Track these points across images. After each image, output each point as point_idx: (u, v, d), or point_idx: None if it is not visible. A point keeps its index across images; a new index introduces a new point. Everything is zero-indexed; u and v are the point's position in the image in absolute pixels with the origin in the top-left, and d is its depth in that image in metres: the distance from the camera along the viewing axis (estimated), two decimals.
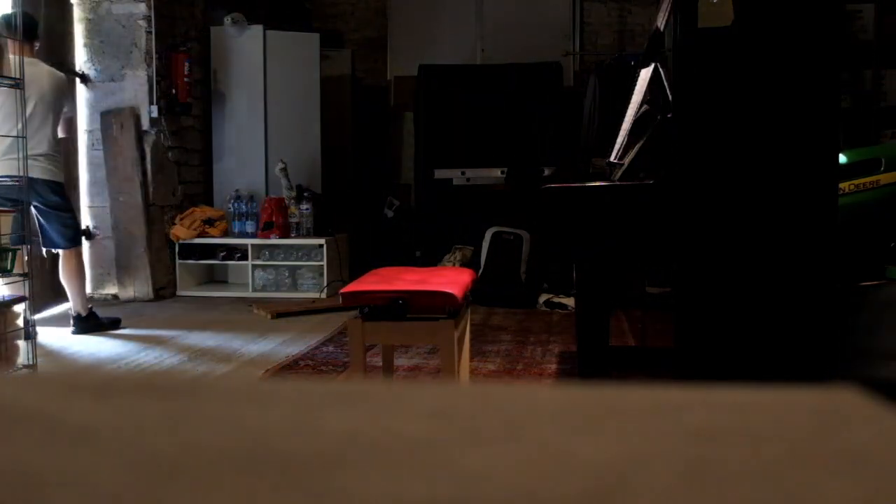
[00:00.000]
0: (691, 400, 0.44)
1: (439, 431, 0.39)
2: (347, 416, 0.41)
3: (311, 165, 6.75)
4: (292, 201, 6.26)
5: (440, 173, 6.62)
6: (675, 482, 0.33)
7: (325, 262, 6.14)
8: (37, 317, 4.33)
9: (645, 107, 2.90)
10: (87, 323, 4.81)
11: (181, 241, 6.19)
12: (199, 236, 6.22)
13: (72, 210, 4.78)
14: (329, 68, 7.01)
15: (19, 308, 3.58)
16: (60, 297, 5.61)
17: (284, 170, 6.26)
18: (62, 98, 4.63)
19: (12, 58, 3.85)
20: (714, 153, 2.34)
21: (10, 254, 3.64)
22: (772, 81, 2.30)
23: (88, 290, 5.87)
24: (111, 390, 0.46)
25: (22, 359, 3.57)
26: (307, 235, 6.25)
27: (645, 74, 2.97)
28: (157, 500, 0.31)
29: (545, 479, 0.34)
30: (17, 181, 3.75)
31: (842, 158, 2.87)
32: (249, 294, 6.15)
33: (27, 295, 3.61)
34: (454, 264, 6.00)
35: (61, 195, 4.59)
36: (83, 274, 4.83)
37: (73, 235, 4.69)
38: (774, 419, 0.41)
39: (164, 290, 6.04)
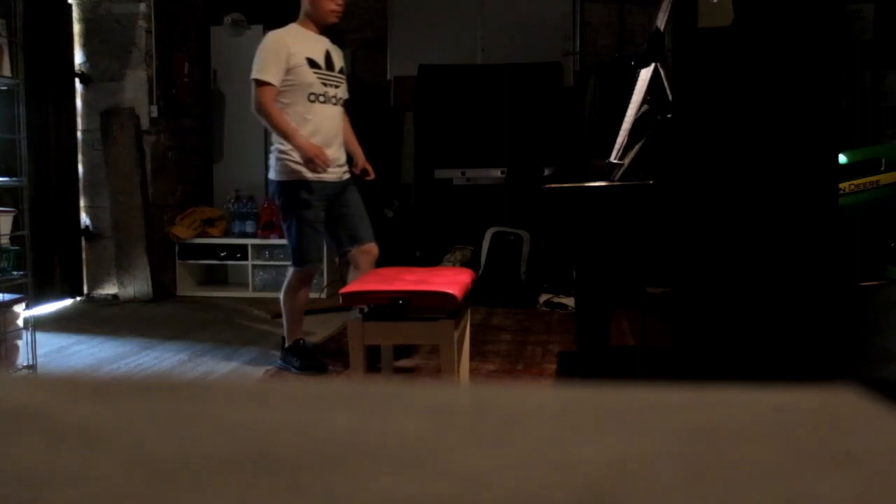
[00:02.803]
0: (691, 400, 0.44)
1: (439, 431, 0.39)
2: (347, 416, 0.41)
3: None
4: None
5: (440, 173, 6.62)
6: (675, 482, 0.33)
7: (324, 263, 6.13)
8: (37, 317, 4.33)
9: (645, 107, 2.90)
10: (288, 355, 3.87)
11: (181, 241, 6.19)
12: (198, 236, 6.22)
13: (290, 221, 3.76)
14: None
15: (19, 308, 3.58)
16: (60, 296, 5.61)
17: None
18: None
19: None
20: (714, 153, 2.34)
21: (10, 254, 3.64)
22: (772, 81, 2.30)
23: (87, 289, 5.88)
24: (111, 391, 0.46)
25: (22, 359, 3.57)
26: None
27: (645, 74, 2.96)
28: (158, 500, 0.31)
29: (545, 479, 0.34)
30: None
31: (842, 158, 2.87)
32: (249, 294, 6.15)
33: (27, 295, 3.61)
34: (454, 264, 6.00)
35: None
36: (295, 297, 3.81)
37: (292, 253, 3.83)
38: (774, 419, 0.41)
39: (163, 291, 6.04)
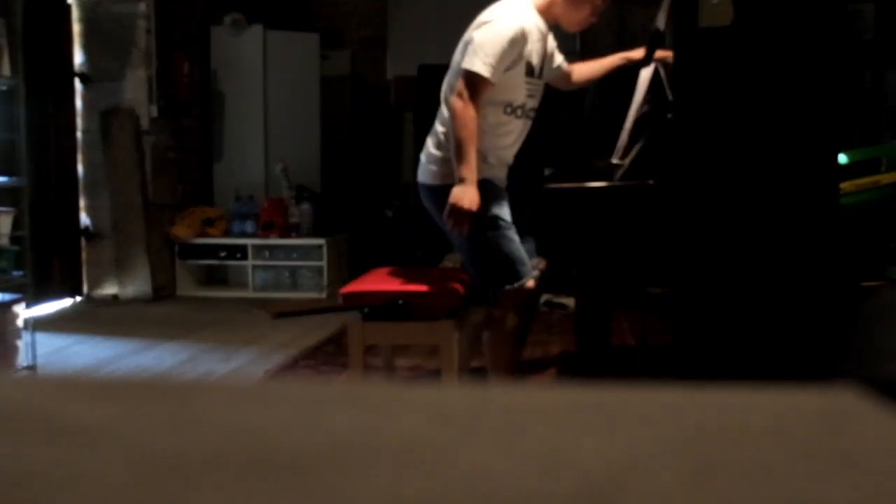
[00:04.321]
0: (691, 400, 0.44)
1: (439, 431, 0.39)
2: (347, 416, 0.41)
3: (311, 165, 6.75)
4: (292, 201, 6.27)
5: None
6: (675, 482, 0.33)
7: (325, 263, 6.14)
8: (37, 317, 4.33)
9: (645, 107, 2.90)
10: None
11: (181, 241, 6.19)
12: (198, 236, 6.22)
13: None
14: (329, 68, 7.00)
15: (19, 308, 3.58)
16: (60, 296, 5.61)
17: (285, 170, 6.26)
18: None
19: None
20: (714, 153, 2.34)
21: (10, 254, 3.64)
22: (772, 81, 2.30)
23: (87, 289, 5.88)
24: (111, 391, 0.46)
25: (22, 359, 3.57)
26: (307, 235, 6.25)
27: (645, 74, 2.96)
28: (157, 500, 0.31)
29: (545, 478, 0.33)
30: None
31: (842, 158, 2.87)
32: (249, 294, 6.15)
33: (27, 295, 3.61)
34: (455, 264, 6.00)
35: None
36: (499, 345, 2.86)
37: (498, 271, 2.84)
38: (774, 419, 0.41)
39: (163, 291, 6.04)
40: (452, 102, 2.65)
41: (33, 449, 0.36)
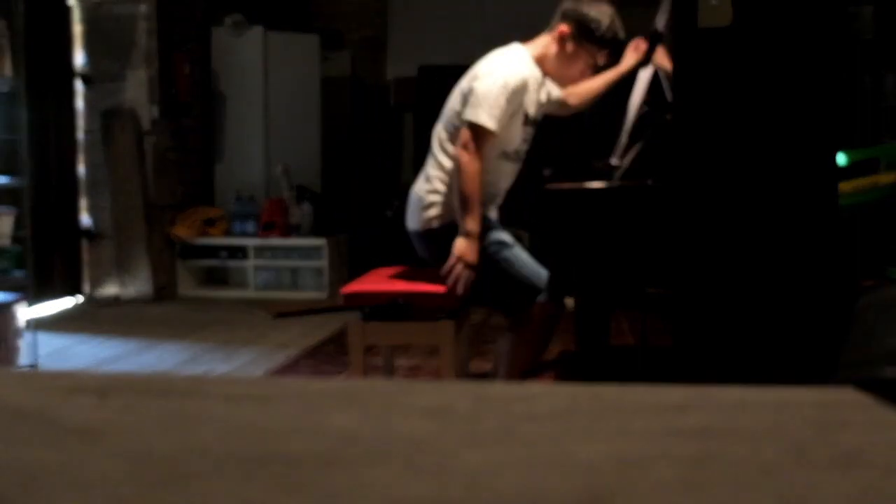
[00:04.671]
0: (691, 400, 0.44)
1: (439, 431, 0.39)
2: (347, 416, 0.41)
3: (311, 166, 6.75)
4: (293, 202, 6.27)
5: None
6: (674, 482, 0.33)
7: (325, 263, 6.14)
8: (38, 317, 4.34)
9: (644, 107, 2.90)
10: None
11: (182, 242, 6.19)
12: (199, 236, 6.22)
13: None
14: (329, 68, 7.01)
15: (20, 308, 3.58)
16: (61, 296, 5.62)
17: (285, 171, 6.26)
18: None
19: None
20: (713, 154, 2.34)
21: (11, 254, 3.65)
22: (771, 82, 2.30)
23: (88, 289, 5.88)
24: (112, 390, 0.46)
25: (23, 359, 3.57)
26: (308, 236, 6.25)
27: (644, 75, 2.97)
28: (158, 499, 0.31)
29: (545, 478, 0.34)
30: None
31: (840, 159, 2.87)
32: (250, 294, 6.15)
33: (28, 295, 3.61)
34: None
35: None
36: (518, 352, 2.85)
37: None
38: (774, 419, 0.41)
39: (164, 291, 6.04)
40: (460, 156, 2.65)
41: (35, 448, 0.37)
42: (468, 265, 2.62)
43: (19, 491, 0.32)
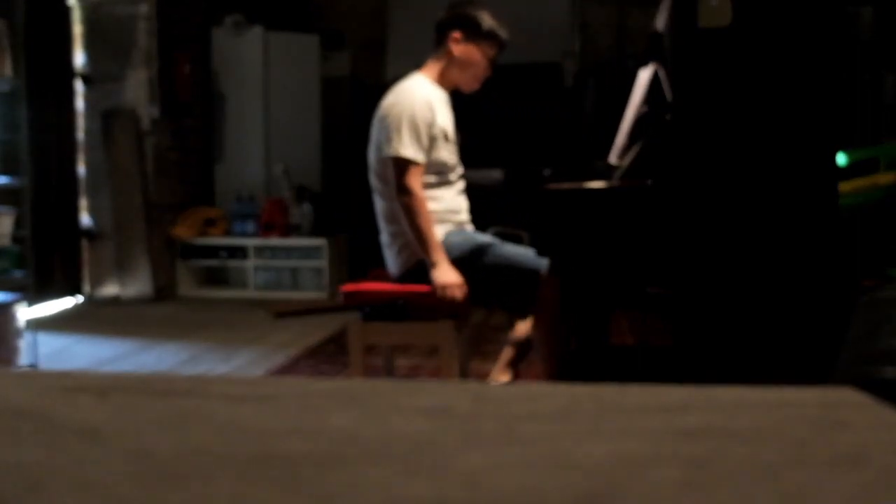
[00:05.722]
0: (691, 400, 0.44)
1: (439, 431, 0.39)
2: (347, 416, 0.41)
3: (311, 166, 6.75)
4: (293, 202, 6.27)
5: None
6: (675, 482, 0.33)
7: (325, 263, 6.14)
8: (38, 317, 4.34)
9: (644, 107, 2.90)
10: None
11: (182, 242, 6.19)
12: (199, 236, 6.22)
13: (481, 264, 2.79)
14: (329, 68, 7.01)
15: (20, 308, 3.58)
16: (61, 296, 5.61)
17: (286, 171, 6.26)
18: None
19: None
20: (713, 154, 2.34)
21: (11, 253, 3.65)
22: (771, 82, 2.30)
23: (88, 289, 5.88)
24: (112, 390, 0.46)
25: (23, 359, 3.57)
26: (308, 236, 6.25)
27: (644, 75, 2.97)
28: (157, 499, 0.31)
29: (545, 478, 0.34)
30: None
31: (840, 159, 2.87)
32: (250, 294, 6.15)
33: (28, 295, 3.61)
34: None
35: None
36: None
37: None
38: (774, 419, 0.41)
39: (164, 291, 6.04)
40: (398, 199, 2.68)
41: (35, 448, 0.37)
42: (454, 285, 2.65)
43: (19, 491, 0.32)
